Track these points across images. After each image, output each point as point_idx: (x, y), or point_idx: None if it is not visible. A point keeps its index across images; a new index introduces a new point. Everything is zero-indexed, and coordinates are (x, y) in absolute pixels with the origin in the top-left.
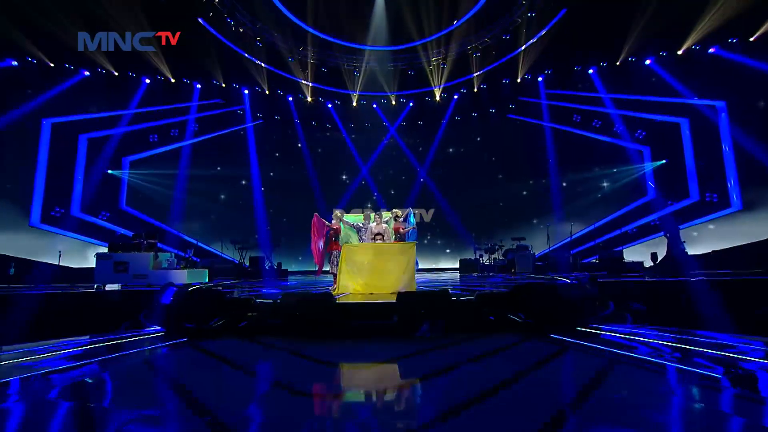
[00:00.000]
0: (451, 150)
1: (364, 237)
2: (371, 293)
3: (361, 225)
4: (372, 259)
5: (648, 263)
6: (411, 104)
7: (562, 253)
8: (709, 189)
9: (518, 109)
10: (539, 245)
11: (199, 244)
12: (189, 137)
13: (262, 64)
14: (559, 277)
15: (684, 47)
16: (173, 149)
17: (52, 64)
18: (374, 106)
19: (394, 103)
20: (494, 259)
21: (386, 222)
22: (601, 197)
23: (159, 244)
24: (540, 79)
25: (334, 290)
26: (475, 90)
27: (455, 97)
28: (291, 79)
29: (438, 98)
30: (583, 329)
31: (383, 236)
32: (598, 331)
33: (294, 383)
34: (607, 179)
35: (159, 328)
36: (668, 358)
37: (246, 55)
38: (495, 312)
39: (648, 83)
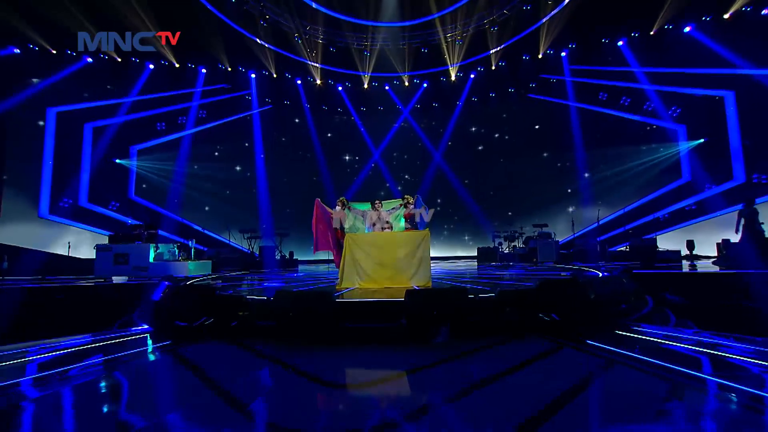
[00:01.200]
0: (467, 133)
1: (369, 226)
2: (380, 288)
3: (367, 213)
4: (380, 249)
5: (684, 252)
6: (425, 85)
7: (588, 240)
8: (758, 170)
9: (539, 87)
10: (563, 232)
11: (206, 231)
12: (197, 124)
13: (268, 46)
14: (587, 267)
15: (732, 10)
16: (181, 137)
17: (54, 51)
18: (386, 87)
19: (407, 84)
20: (514, 247)
21: (396, 209)
22: (630, 181)
23: (168, 235)
24: (563, 53)
25: (339, 285)
26: (493, 68)
27: (472, 76)
28: (299, 60)
29: (453, 78)
30: (624, 332)
31: (389, 225)
32: (642, 336)
33: (278, 412)
34: (637, 161)
35: (147, 327)
36: None
37: (250, 35)
38: (519, 312)
39: (687, 54)
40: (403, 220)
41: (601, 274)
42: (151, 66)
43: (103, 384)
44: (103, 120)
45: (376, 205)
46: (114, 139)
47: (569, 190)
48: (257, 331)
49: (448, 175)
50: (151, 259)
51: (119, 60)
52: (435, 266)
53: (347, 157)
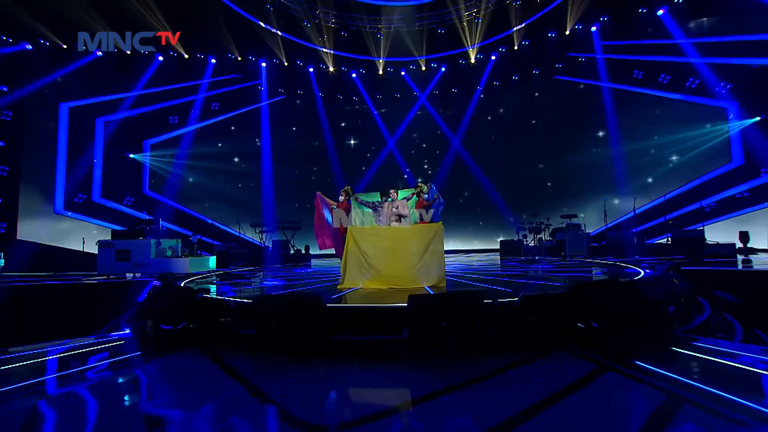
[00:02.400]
0: (489, 118)
1: (381, 219)
2: (386, 289)
3: (377, 204)
4: (386, 245)
5: (738, 245)
6: (443, 69)
7: (622, 232)
8: None
9: (566, 67)
10: (594, 223)
11: (221, 226)
12: (208, 117)
13: (277, 32)
14: (624, 263)
15: None
16: (193, 129)
17: (65, 46)
18: (402, 73)
19: (424, 68)
20: (540, 240)
21: (408, 199)
22: (670, 166)
23: (180, 229)
24: (593, 28)
25: (341, 284)
26: (516, 48)
27: (492, 57)
28: (310, 47)
29: (473, 60)
30: (682, 350)
31: (403, 216)
32: (708, 355)
33: None
34: (678, 144)
35: (128, 333)
36: None
37: (258, 22)
38: (547, 322)
39: (742, 18)
40: (414, 211)
41: (643, 272)
42: (160, 58)
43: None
44: (114, 114)
45: (391, 194)
46: (126, 134)
47: (601, 178)
48: (238, 340)
49: (469, 164)
50: (152, 256)
51: (128, 53)
52: (453, 261)
53: (362, 147)
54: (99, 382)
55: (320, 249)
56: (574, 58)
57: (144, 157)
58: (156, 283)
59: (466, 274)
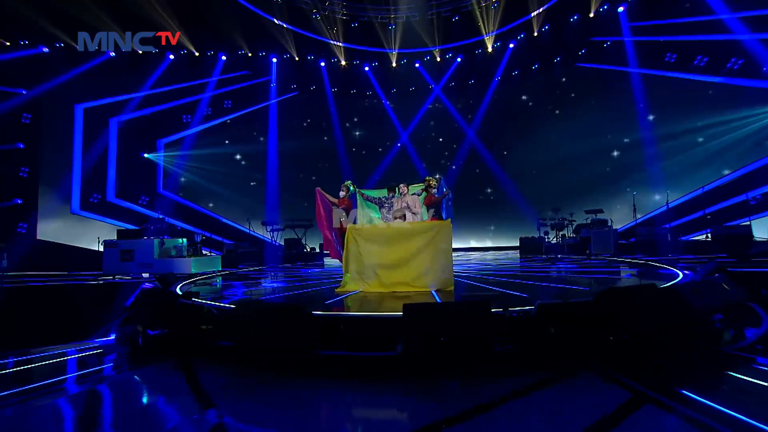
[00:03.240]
0: (507, 109)
1: (388, 215)
2: (389, 293)
3: (384, 200)
4: (389, 244)
5: None
6: (459, 59)
7: (654, 228)
8: None
9: (590, 53)
10: (622, 218)
11: (235, 224)
12: (220, 114)
13: (286, 26)
14: (658, 262)
15: None
16: (206, 128)
17: (80, 48)
18: (417, 65)
19: (439, 59)
20: (563, 237)
21: (418, 194)
22: (707, 155)
23: (194, 229)
24: (621, 8)
25: (341, 287)
26: (535, 34)
27: (511, 45)
28: (320, 40)
29: (490, 49)
30: (741, 375)
31: (414, 213)
32: None
33: None
34: (717, 132)
35: (112, 339)
36: None
37: (267, 16)
38: (570, 337)
39: None
40: (424, 208)
41: (682, 274)
42: (171, 56)
43: None
44: (127, 114)
45: (401, 188)
46: (140, 133)
47: (629, 170)
48: (217, 353)
49: (486, 157)
50: (155, 255)
51: (140, 52)
52: (469, 260)
53: (374, 142)
54: (47, 403)
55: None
56: (598, 42)
57: (158, 157)
58: (146, 285)
59: (480, 274)
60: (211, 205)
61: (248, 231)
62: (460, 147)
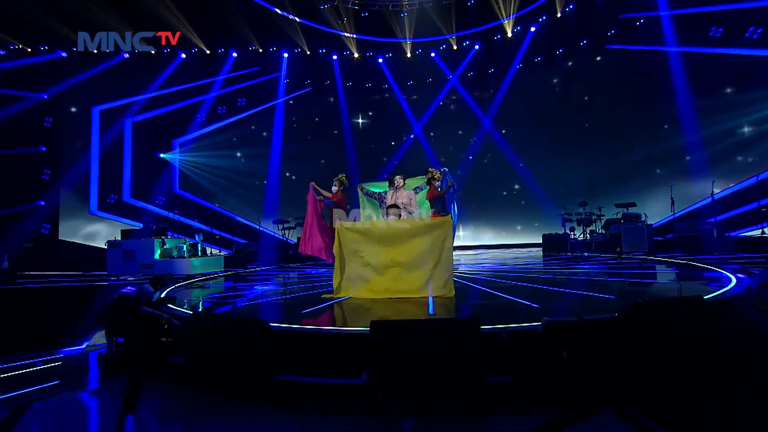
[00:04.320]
0: (529, 98)
1: (386, 214)
2: (381, 299)
3: (384, 196)
4: (382, 245)
5: None
6: (477, 47)
7: (696, 223)
8: None
9: (620, 33)
10: (658, 212)
11: (244, 221)
12: (234, 112)
13: (296, 19)
14: (702, 263)
15: None
16: (221, 126)
17: (95, 51)
18: (432, 54)
19: (455, 47)
20: (591, 233)
21: (419, 189)
22: (761, 140)
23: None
24: None
25: (334, 292)
26: (559, 15)
27: (532, 29)
28: (330, 32)
29: (510, 34)
30: None
31: (409, 210)
32: None
33: None
34: None
35: (80, 349)
36: None
37: (274, 9)
38: (586, 366)
39: None
40: (427, 203)
41: (735, 278)
42: (183, 55)
43: None
44: (142, 114)
45: (396, 182)
46: (156, 133)
47: (667, 158)
48: (170, 370)
49: (505, 149)
50: (156, 256)
51: (153, 52)
52: (486, 258)
53: (387, 136)
54: None
55: (300, 253)
56: (630, 20)
57: (173, 156)
58: (126, 290)
59: (492, 277)
60: (224, 203)
61: (262, 229)
62: (478, 139)
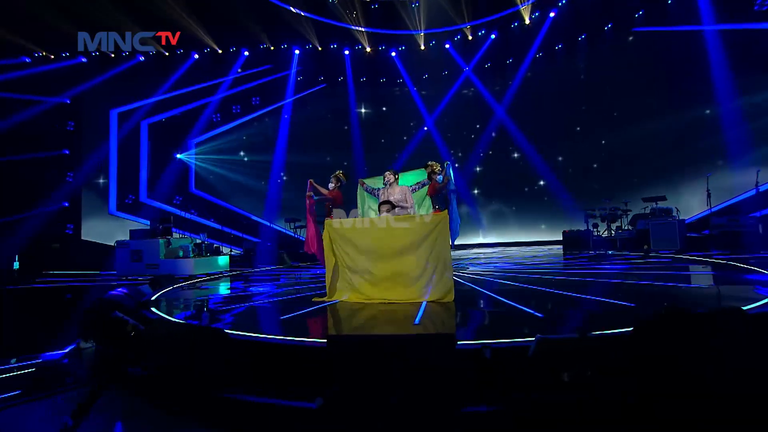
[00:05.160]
0: (549, 88)
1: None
2: (374, 302)
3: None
4: (371, 245)
5: None
6: (493, 36)
7: (737, 217)
8: None
9: (649, 14)
10: (692, 207)
11: (254, 218)
12: (249, 111)
13: (302, 14)
14: (743, 264)
15: None
16: (236, 125)
17: (112, 55)
18: (447, 46)
19: (470, 37)
20: (617, 229)
21: (418, 186)
22: None
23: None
24: None
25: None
26: None
27: (551, 14)
28: (341, 27)
29: (528, 21)
30: None
31: (403, 207)
32: None
33: None
34: None
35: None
36: None
37: (282, 5)
38: (592, 393)
39: None
40: (429, 200)
41: None
42: (196, 56)
43: None
44: (157, 115)
45: (386, 178)
46: (171, 134)
47: (702, 147)
48: (131, 380)
49: (522, 143)
50: (161, 256)
51: (167, 54)
52: (501, 256)
53: (400, 131)
54: None
55: (306, 251)
56: (660, 0)
57: (189, 156)
58: (117, 291)
59: (502, 278)
60: (238, 202)
61: (275, 227)
62: (495, 132)
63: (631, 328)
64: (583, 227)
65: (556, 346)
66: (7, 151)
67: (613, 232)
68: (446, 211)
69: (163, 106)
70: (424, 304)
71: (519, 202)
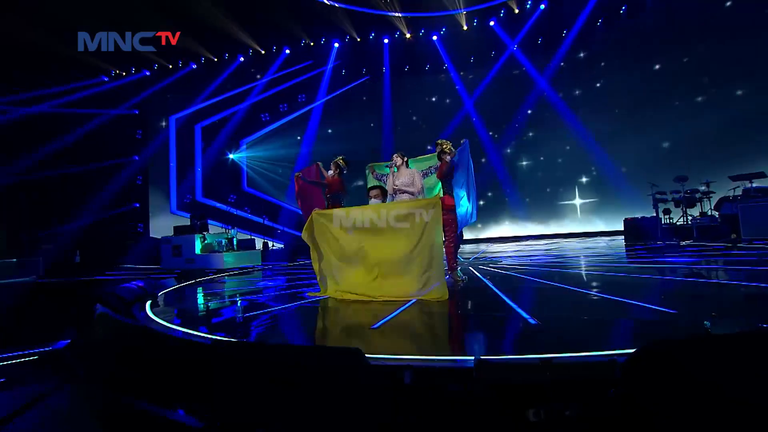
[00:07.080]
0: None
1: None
2: (359, 299)
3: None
4: (362, 234)
5: None
6: (543, 6)
7: None
8: None
9: None
10: None
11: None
12: (296, 108)
13: (337, 5)
14: None
15: None
16: (285, 123)
17: (170, 66)
18: (492, 23)
19: (517, 11)
20: (701, 214)
21: (431, 171)
22: None
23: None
24: None
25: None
26: None
27: None
28: (377, 14)
29: None
30: None
31: (410, 191)
32: None
33: None
34: None
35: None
36: None
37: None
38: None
39: None
40: (439, 185)
41: None
42: (242, 58)
43: None
44: (209, 118)
45: (393, 160)
46: (223, 135)
47: None
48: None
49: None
50: (197, 251)
51: (215, 60)
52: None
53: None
54: None
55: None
56: None
57: (241, 156)
58: (132, 284)
59: (526, 273)
60: (286, 198)
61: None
62: (541, 114)
63: (632, 350)
64: (650, 213)
65: (500, 373)
66: (90, 158)
67: (688, 220)
68: (437, 195)
69: (213, 109)
70: (410, 302)
71: (573, 191)
